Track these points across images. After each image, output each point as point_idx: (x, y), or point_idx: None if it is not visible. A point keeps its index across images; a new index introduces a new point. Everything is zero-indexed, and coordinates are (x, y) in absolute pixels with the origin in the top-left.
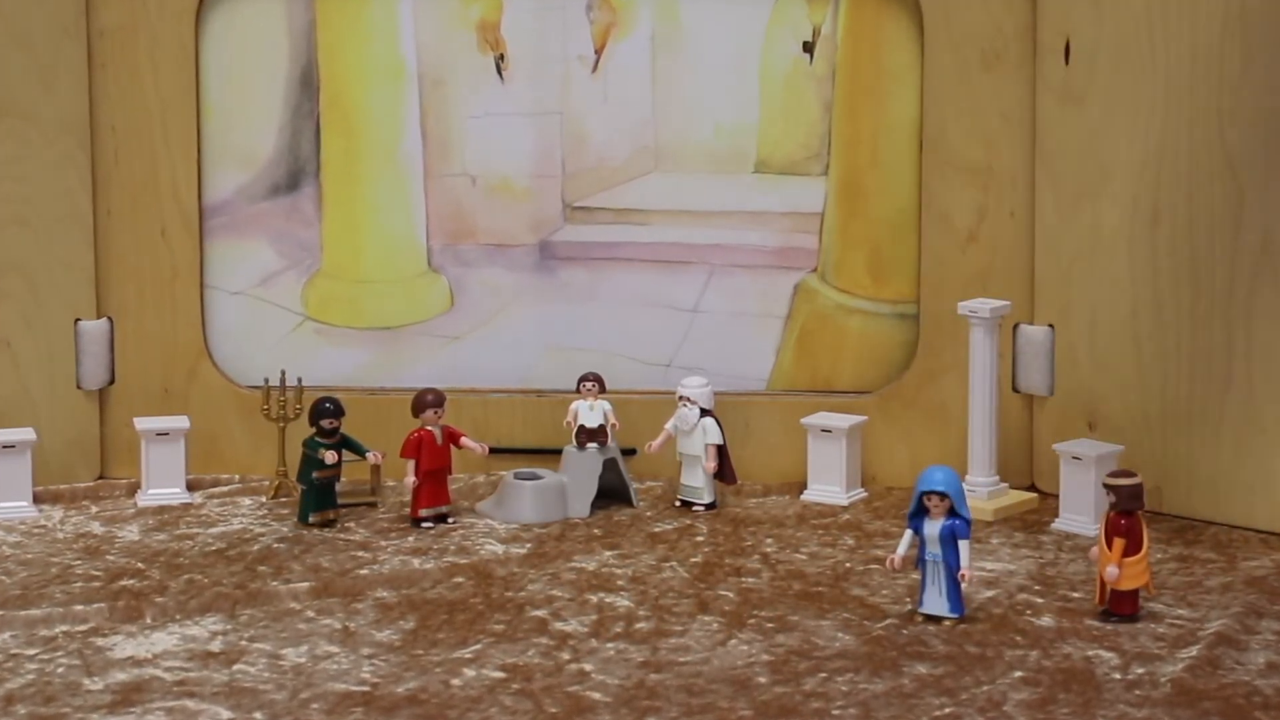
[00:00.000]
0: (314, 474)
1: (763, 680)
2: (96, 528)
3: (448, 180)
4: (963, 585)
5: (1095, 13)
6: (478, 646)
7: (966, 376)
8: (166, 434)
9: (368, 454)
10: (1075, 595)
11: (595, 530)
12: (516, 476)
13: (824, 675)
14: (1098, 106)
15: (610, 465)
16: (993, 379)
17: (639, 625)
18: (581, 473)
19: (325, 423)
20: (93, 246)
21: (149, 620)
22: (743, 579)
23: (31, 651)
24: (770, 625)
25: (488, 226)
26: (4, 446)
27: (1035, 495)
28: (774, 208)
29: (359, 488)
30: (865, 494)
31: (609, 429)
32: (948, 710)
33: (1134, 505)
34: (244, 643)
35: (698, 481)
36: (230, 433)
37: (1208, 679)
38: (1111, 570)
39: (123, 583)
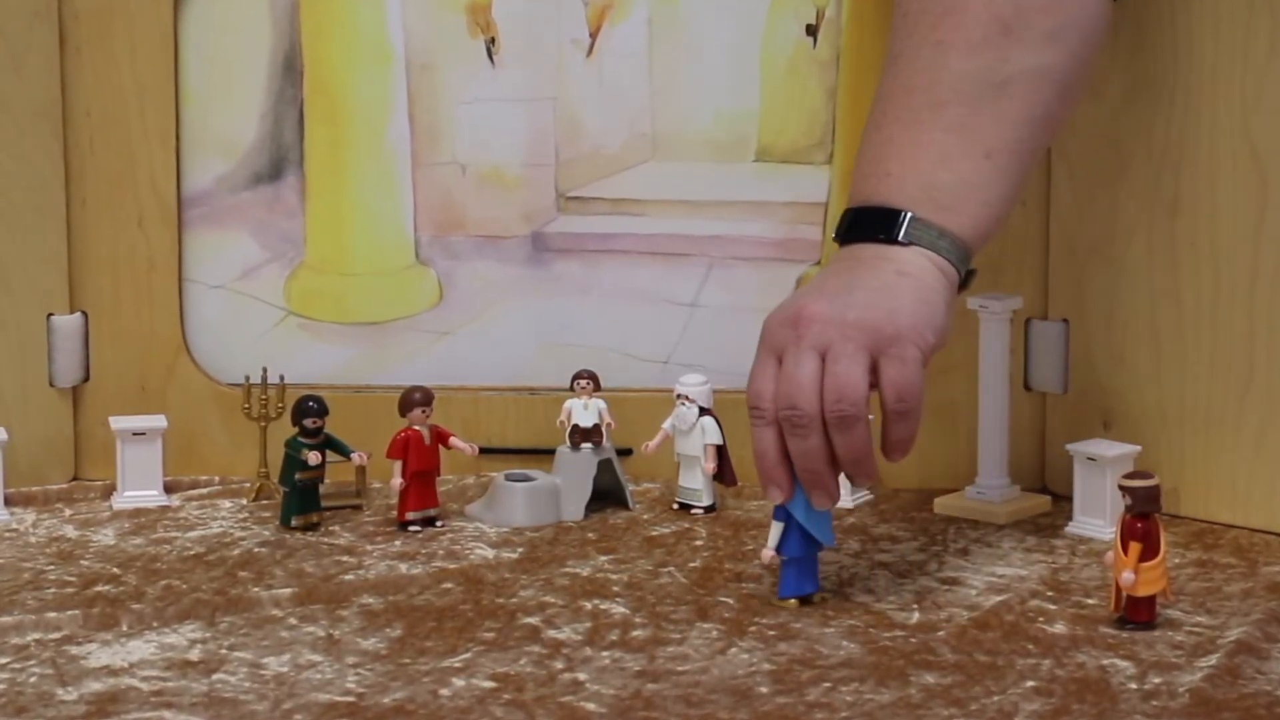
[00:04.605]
0: (297, 475)
1: (764, 690)
2: (70, 531)
3: (437, 169)
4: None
5: None
6: (467, 655)
7: (976, 373)
8: (143, 434)
9: (353, 455)
10: (1089, 602)
11: (590, 534)
12: (508, 478)
13: (828, 685)
14: (1116, 91)
15: (605, 466)
16: (1004, 376)
17: (635, 633)
18: (575, 474)
19: (308, 422)
20: (66, 238)
21: (125, 628)
22: (743, 585)
23: (2, 660)
24: (772, 633)
25: (478, 217)
26: None
27: (1048, 498)
28: (776, 197)
29: (344, 490)
30: (870, 496)
31: (604, 429)
32: None
33: (1151, 508)
34: (224, 651)
35: (696, 483)
36: (210, 432)
37: (1228, 689)
38: (1127, 576)
39: (98, 589)
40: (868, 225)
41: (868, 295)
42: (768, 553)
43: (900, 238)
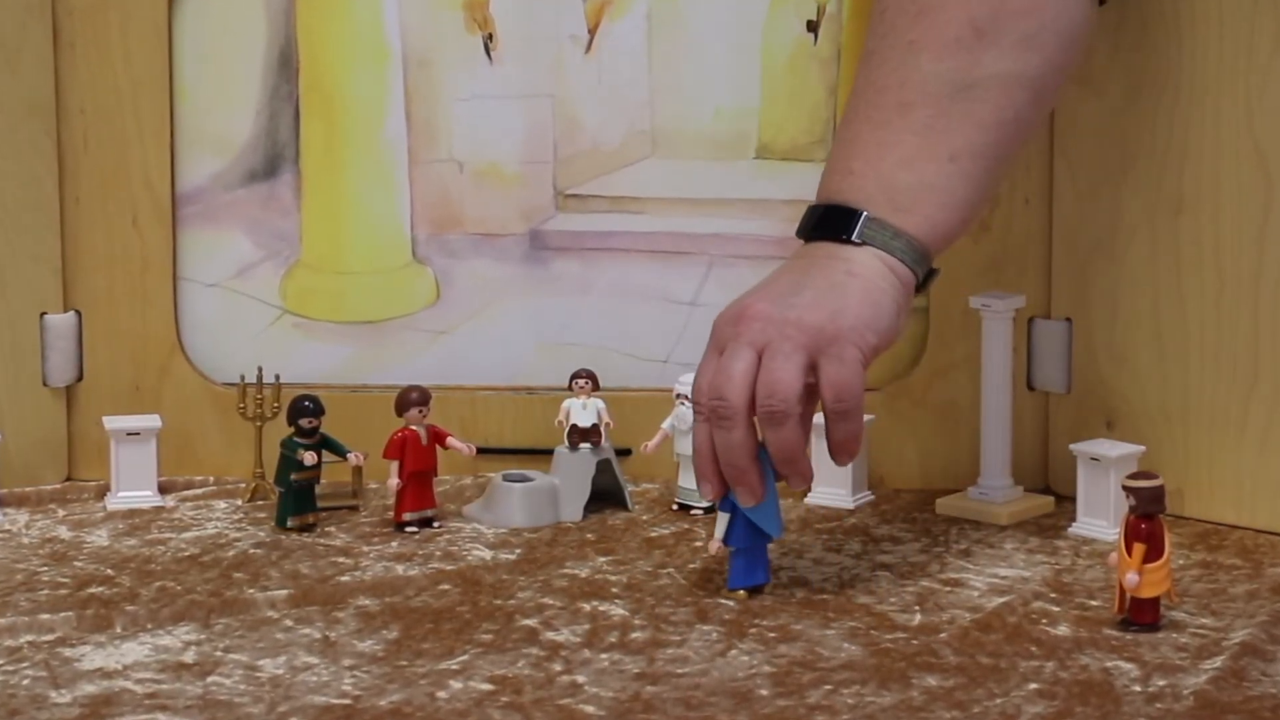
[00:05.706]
0: (292, 476)
1: (764, 692)
2: (64, 532)
3: (433, 166)
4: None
5: None
6: (465, 657)
7: (979, 373)
8: (137, 434)
9: (349, 455)
10: (1093, 603)
11: (588, 535)
12: (505, 478)
13: (829, 687)
14: (1118, 88)
15: (604, 467)
16: (1007, 376)
17: (634, 635)
18: (574, 474)
19: (304, 422)
20: (59, 236)
21: (119, 630)
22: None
23: None
24: (772, 635)
25: (476, 215)
26: None
27: (1051, 498)
28: (777, 195)
29: (340, 490)
30: (872, 496)
31: (603, 428)
32: None
33: (1155, 509)
34: (219, 653)
35: (696, 484)
36: (205, 432)
37: (1232, 691)
38: (1131, 577)
39: (91, 590)
40: (827, 223)
41: (813, 295)
42: (714, 543)
43: (854, 237)
